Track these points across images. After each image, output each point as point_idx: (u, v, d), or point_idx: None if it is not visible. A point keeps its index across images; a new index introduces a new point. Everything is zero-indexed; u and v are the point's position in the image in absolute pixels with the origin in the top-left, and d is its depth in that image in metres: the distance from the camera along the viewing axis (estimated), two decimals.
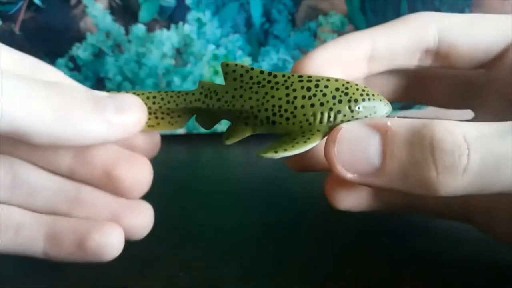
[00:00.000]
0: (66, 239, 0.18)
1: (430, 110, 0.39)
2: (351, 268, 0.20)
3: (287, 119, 0.17)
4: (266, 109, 0.17)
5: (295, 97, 0.17)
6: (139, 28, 0.38)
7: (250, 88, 0.18)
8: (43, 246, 0.18)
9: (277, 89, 0.17)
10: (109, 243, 0.18)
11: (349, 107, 0.16)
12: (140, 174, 0.19)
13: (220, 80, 0.39)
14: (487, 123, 0.15)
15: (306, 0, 0.39)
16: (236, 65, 0.18)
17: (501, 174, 0.14)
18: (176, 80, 0.39)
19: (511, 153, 0.14)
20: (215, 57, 0.39)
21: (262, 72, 0.18)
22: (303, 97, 0.17)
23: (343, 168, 0.16)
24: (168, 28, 0.38)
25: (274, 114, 0.17)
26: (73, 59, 0.38)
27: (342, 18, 0.39)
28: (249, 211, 0.26)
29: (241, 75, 0.18)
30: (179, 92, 0.19)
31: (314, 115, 0.17)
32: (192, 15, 0.38)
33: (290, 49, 0.39)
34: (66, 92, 0.16)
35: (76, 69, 0.38)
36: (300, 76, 0.17)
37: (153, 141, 0.20)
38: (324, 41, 0.40)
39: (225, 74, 0.18)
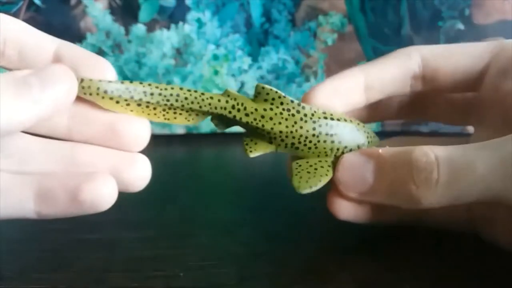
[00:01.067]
0: (58, 195, 0.17)
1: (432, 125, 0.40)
2: (351, 268, 0.20)
3: (310, 148, 0.20)
4: (294, 137, 0.20)
5: (320, 133, 0.20)
6: (139, 28, 0.38)
7: (281, 113, 0.20)
8: (33, 205, 0.18)
9: (306, 121, 0.20)
10: (103, 193, 0.17)
11: (358, 146, 0.21)
12: (140, 128, 0.19)
13: (220, 80, 0.39)
14: (457, 145, 0.18)
15: (306, 0, 0.39)
16: (271, 89, 0.20)
17: (466, 184, 0.17)
18: (176, 80, 0.39)
19: (471, 165, 0.17)
20: (215, 57, 0.39)
21: (292, 101, 0.20)
22: (326, 134, 0.20)
23: (346, 189, 0.19)
24: (168, 28, 0.38)
25: (300, 143, 0.20)
26: None
27: (342, 18, 0.39)
28: (249, 211, 0.26)
29: (273, 99, 0.20)
30: (203, 94, 0.20)
31: (332, 149, 0.20)
32: (192, 15, 0.38)
33: (290, 49, 0.39)
34: None
35: None
36: (324, 113, 0.20)
37: (142, 134, 0.19)
38: (324, 41, 0.40)
39: (257, 94, 0.20)
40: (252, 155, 0.20)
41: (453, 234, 0.22)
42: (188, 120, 0.20)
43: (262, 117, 0.20)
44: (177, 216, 0.26)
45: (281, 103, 0.20)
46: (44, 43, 0.19)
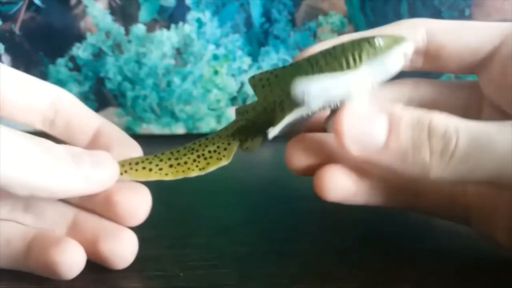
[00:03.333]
0: (39, 257, 0.19)
1: None
2: (351, 268, 0.20)
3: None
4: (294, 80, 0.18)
5: (318, 61, 0.18)
6: (139, 28, 0.38)
7: (276, 76, 0.20)
8: (24, 260, 0.19)
9: (301, 65, 0.19)
10: (65, 261, 0.19)
11: (369, 43, 0.18)
12: (139, 200, 0.20)
13: (220, 80, 0.39)
14: (477, 120, 0.17)
15: (306, 0, 0.39)
16: (260, 73, 0.20)
17: (483, 161, 0.16)
18: (176, 80, 0.39)
19: (491, 142, 0.16)
20: (215, 57, 0.39)
21: (284, 66, 0.20)
22: (324, 56, 0.18)
23: (350, 142, 0.17)
24: (168, 28, 0.38)
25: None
26: (73, 59, 0.38)
27: (342, 18, 0.39)
28: (249, 211, 0.26)
29: (268, 79, 0.20)
30: (218, 133, 0.21)
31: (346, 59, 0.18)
32: (192, 15, 0.38)
33: (290, 49, 0.39)
34: (49, 149, 0.17)
35: (76, 69, 0.38)
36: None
37: (139, 208, 0.20)
38: None
39: (254, 87, 0.20)
40: (251, 150, 0.20)
41: (454, 234, 0.22)
42: (221, 159, 0.20)
43: (265, 96, 0.20)
44: (177, 216, 0.26)
45: (276, 76, 0.20)
46: (90, 120, 0.22)
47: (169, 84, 0.39)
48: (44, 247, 0.19)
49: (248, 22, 0.39)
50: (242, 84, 0.40)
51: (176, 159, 0.20)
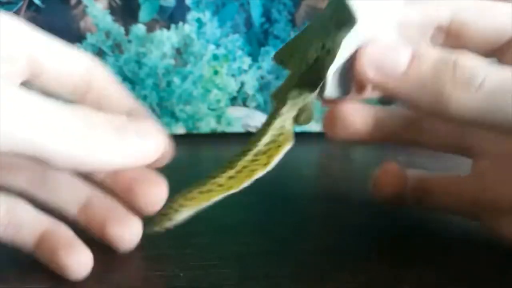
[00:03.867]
0: (46, 250, 0.19)
1: None
2: (351, 268, 0.20)
3: None
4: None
5: None
6: (139, 28, 0.38)
7: (302, 36, 0.19)
8: (32, 247, 0.20)
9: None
10: (72, 264, 0.19)
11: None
12: (158, 194, 0.20)
13: (220, 79, 0.39)
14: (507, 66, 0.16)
15: (306, 0, 0.39)
16: (279, 49, 0.20)
17: (505, 106, 0.15)
18: (176, 80, 0.39)
19: None
20: (215, 57, 0.39)
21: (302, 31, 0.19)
22: None
23: (369, 66, 0.17)
24: (168, 28, 0.38)
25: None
26: None
27: None
28: (249, 210, 0.26)
29: (293, 45, 0.19)
30: (264, 125, 0.20)
31: None
32: (192, 15, 0.38)
33: None
34: (89, 117, 0.16)
35: None
36: None
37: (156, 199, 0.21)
38: None
39: (281, 62, 0.20)
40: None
41: (455, 234, 0.22)
42: (281, 144, 0.19)
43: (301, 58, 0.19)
44: None
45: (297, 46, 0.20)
46: (123, 100, 0.21)
47: (169, 84, 0.39)
48: (53, 247, 0.19)
49: (248, 22, 0.39)
50: (242, 84, 0.40)
51: (232, 168, 0.19)
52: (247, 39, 0.39)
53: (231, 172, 0.19)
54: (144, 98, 0.39)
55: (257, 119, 0.39)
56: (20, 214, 0.20)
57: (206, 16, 0.38)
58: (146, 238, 0.22)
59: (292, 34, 0.39)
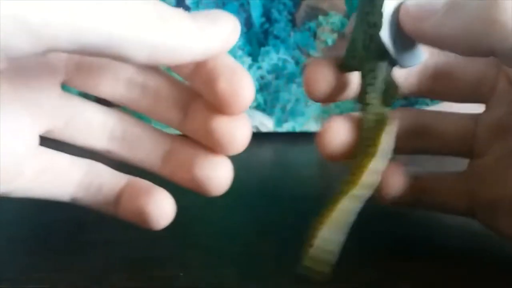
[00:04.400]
0: (128, 206, 0.19)
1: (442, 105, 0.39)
2: (351, 268, 0.20)
3: None
4: None
5: None
6: None
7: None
8: (113, 207, 0.20)
9: None
10: (161, 213, 0.19)
11: None
12: (240, 129, 0.19)
13: None
14: None
15: (306, 0, 0.39)
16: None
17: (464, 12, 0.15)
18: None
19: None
20: None
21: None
22: None
23: (409, 12, 0.17)
24: None
25: None
26: None
27: (342, 18, 0.39)
28: (249, 211, 0.26)
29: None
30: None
31: None
32: None
33: (290, 49, 0.39)
34: (159, 3, 0.15)
35: None
36: None
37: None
38: (324, 41, 0.40)
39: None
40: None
41: (455, 235, 0.22)
42: (382, 128, 0.19)
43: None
44: (177, 216, 0.26)
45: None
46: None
47: None
48: (134, 197, 0.19)
49: (248, 22, 0.39)
50: None
51: (354, 174, 0.19)
52: (247, 39, 0.39)
53: (352, 179, 0.19)
54: None
55: (257, 119, 0.39)
56: (99, 174, 0.20)
57: None
58: (151, 239, 0.22)
59: (292, 34, 0.39)
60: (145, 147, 0.20)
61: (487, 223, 0.21)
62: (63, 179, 0.20)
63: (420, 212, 0.24)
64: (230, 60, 0.18)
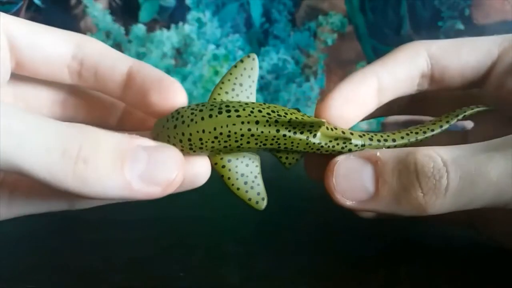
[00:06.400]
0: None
1: None
2: (351, 268, 0.20)
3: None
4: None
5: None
6: (139, 28, 0.38)
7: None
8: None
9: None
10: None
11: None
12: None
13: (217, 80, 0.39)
14: (462, 145, 0.16)
15: (306, 0, 0.39)
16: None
17: (478, 190, 0.16)
18: (176, 80, 0.39)
19: (484, 170, 0.15)
20: (215, 57, 0.39)
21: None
22: None
23: (342, 197, 0.17)
24: (168, 28, 0.38)
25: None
26: None
27: (342, 18, 0.39)
28: (249, 211, 0.26)
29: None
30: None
31: None
32: (192, 15, 0.38)
33: (290, 49, 0.39)
34: (89, 140, 0.14)
35: None
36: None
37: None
38: (324, 41, 0.40)
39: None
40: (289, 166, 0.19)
41: (455, 237, 0.22)
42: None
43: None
44: (177, 216, 0.26)
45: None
46: (119, 64, 0.19)
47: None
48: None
49: (248, 22, 0.39)
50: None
51: None
52: (247, 39, 0.39)
53: None
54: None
55: None
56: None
57: (206, 16, 0.38)
58: (151, 239, 0.22)
59: (292, 34, 0.39)
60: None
61: (484, 233, 0.21)
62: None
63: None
64: (156, 71, 0.18)
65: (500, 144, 0.16)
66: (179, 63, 0.39)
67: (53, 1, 0.37)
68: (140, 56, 0.38)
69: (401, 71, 0.20)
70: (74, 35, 0.19)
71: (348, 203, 0.17)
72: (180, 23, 0.38)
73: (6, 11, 0.37)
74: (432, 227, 0.23)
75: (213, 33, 0.39)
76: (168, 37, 0.38)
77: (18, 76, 0.19)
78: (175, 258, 0.21)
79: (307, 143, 0.18)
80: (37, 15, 0.37)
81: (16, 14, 0.37)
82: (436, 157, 0.16)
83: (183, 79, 0.39)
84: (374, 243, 0.22)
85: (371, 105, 0.20)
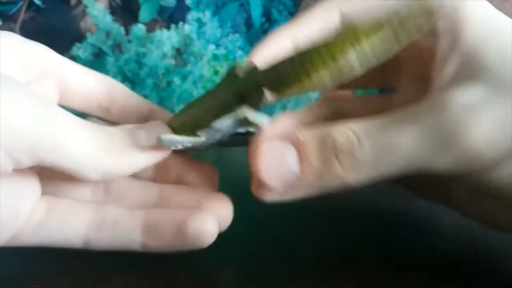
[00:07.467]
0: (164, 229, 0.19)
1: None
2: (351, 269, 0.20)
3: None
4: None
5: None
6: (139, 28, 0.38)
7: None
8: (140, 238, 0.19)
9: None
10: (206, 229, 0.19)
11: None
12: (204, 175, 0.22)
13: (217, 80, 0.40)
14: (375, 118, 0.17)
15: (306, 0, 0.39)
16: None
17: (391, 160, 0.17)
18: (176, 80, 0.39)
19: (394, 141, 0.17)
20: (215, 57, 0.39)
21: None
22: None
23: (272, 180, 0.18)
24: (168, 28, 0.38)
25: None
26: (73, 59, 0.38)
27: None
28: (249, 211, 0.26)
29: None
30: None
31: None
32: (192, 15, 0.38)
33: None
34: (111, 132, 0.19)
35: None
36: None
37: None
38: None
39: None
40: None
41: (456, 235, 0.22)
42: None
43: None
44: None
45: None
46: (142, 106, 0.23)
47: (169, 84, 0.39)
48: (178, 221, 0.19)
49: (248, 22, 0.39)
50: None
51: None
52: (247, 39, 0.39)
53: None
54: (144, 98, 0.39)
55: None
56: (110, 211, 0.20)
57: (206, 16, 0.38)
58: None
59: None
60: (129, 201, 0.21)
61: (458, 207, 0.21)
62: (71, 219, 0.20)
63: (422, 213, 0.24)
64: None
65: (408, 115, 0.17)
66: (179, 63, 0.39)
67: (53, 1, 0.37)
68: (140, 56, 0.38)
69: (314, 29, 0.21)
70: (105, 77, 0.23)
71: (277, 184, 0.18)
72: (180, 23, 0.38)
73: (6, 11, 0.37)
74: (440, 230, 0.23)
75: (213, 33, 0.39)
76: (168, 37, 0.38)
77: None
78: (175, 258, 0.21)
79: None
80: (37, 15, 0.37)
81: (16, 14, 0.37)
82: (350, 134, 0.17)
83: (183, 79, 0.39)
84: (377, 242, 0.22)
85: None
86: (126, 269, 0.20)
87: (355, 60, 0.17)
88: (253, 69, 0.19)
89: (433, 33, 0.20)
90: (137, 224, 0.19)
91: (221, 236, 0.23)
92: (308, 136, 0.18)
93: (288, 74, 0.18)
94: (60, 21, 0.37)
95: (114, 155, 0.18)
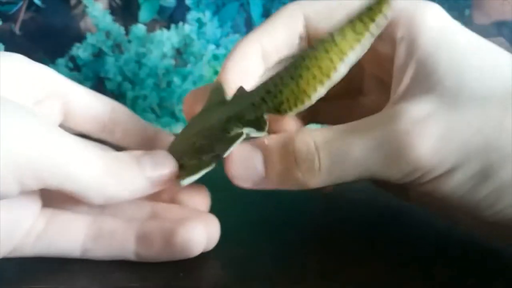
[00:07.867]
0: (155, 238, 0.20)
1: None
2: (351, 269, 0.20)
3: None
4: None
5: None
6: (139, 28, 0.38)
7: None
8: (134, 247, 0.20)
9: None
10: (194, 238, 0.20)
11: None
12: (200, 197, 0.23)
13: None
14: (333, 127, 0.19)
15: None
16: None
17: (346, 167, 0.18)
18: (176, 80, 0.39)
19: (348, 150, 0.18)
20: (215, 57, 0.39)
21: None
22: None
23: (240, 181, 0.20)
24: (168, 28, 0.38)
25: None
26: (73, 59, 0.38)
27: None
28: (249, 210, 0.26)
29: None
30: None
31: None
32: (192, 15, 0.38)
33: None
34: (118, 158, 0.19)
35: (76, 69, 0.38)
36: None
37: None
38: None
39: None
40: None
41: (456, 236, 0.22)
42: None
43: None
44: None
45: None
46: (144, 128, 0.24)
47: (169, 84, 0.39)
48: (168, 231, 0.20)
49: (248, 22, 0.39)
50: None
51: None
52: None
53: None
54: (144, 98, 0.39)
55: None
56: (107, 221, 0.20)
57: (206, 16, 0.38)
58: None
59: None
60: (126, 214, 0.21)
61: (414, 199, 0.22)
62: (69, 231, 0.20)
63: (422, 213, 0.24)
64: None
65: (364, 125, 0.18)
66: (179, 63, 0.39)
67: (53, 1, 0.37)
68: (140, 56, 0.38)
69: (280, 35, 0.22)
70: (110, 101, 0.24)
71: (247, 185, 0.20)
72: (180, 23, 0.38)
73: (6, 11, 0.37)
74: (444, 231, 0.23)
75: (213, 33, 0.39)
76: (168, 37, 0.38)
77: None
78: None
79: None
80: (37, 15, 0.37)
81: (16, 14, 0.37)
82: (310, 142, 0.18)
83: (183, 79, 0.39)
84: (378, 242, 0.22)
85: (259, 72, 0.22)
86: (126, 269, 0.20)
87: (343, 68, 0.19)
88: (241, 91, 0.21)
89: (392, 40, 0.20)
90: (131, 234, 0.20)
91: (221, 236, 0.23)
92: (273, 142, 0.19)
93: (287, 97, 0.19)
94: (60, 21, 0.37)
95: (119, 181, 0.18)
